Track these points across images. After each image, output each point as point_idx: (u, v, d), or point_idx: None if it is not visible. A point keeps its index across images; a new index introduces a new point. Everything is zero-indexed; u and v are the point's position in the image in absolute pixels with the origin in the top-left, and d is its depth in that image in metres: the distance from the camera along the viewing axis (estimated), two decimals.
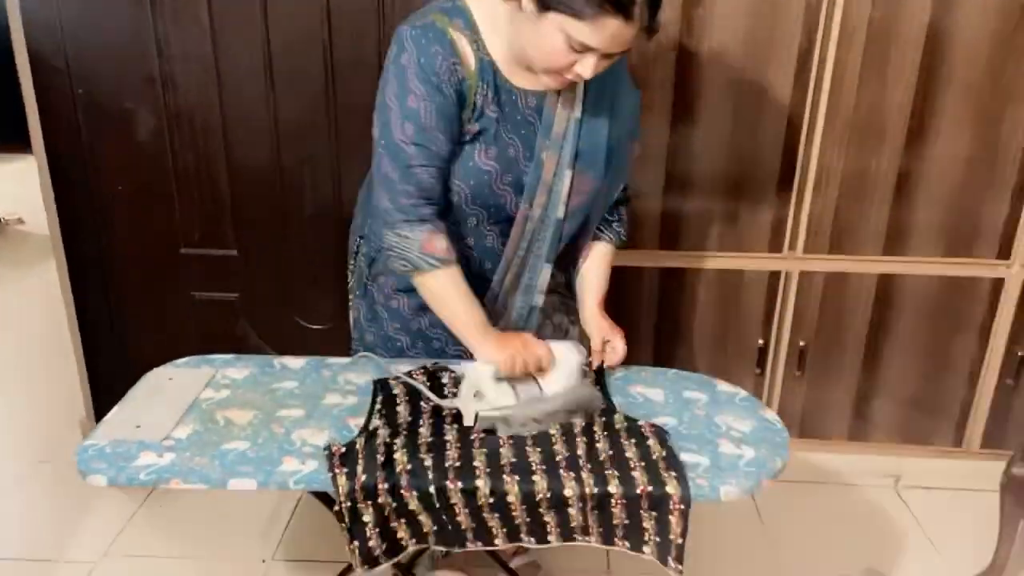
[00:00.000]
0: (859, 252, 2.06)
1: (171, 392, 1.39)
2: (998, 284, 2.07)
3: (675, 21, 1.86)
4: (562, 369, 1.36)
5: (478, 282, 1.43)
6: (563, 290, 1.59)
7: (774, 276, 2.10)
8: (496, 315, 1.46)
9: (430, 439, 1.27)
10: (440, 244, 1.32)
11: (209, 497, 2.12)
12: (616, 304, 1.66)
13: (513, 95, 1.33)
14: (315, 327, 2.14)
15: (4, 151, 5.25)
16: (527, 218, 1.39)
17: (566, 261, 1.54)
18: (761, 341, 2.15)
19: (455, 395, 1.37)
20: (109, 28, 1.92)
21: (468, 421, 1.30)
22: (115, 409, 1.36)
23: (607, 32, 1.17)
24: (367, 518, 1.19)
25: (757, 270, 2.09)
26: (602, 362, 1.49)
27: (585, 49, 1.20)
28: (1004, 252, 2.03)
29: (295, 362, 1.51)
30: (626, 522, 1.20)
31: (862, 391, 2.21)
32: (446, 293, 1.36)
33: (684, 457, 1.25)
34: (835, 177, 1.98)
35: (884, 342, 2.15)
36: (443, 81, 1.27)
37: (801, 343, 2.15)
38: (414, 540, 1.23)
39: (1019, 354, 2.12)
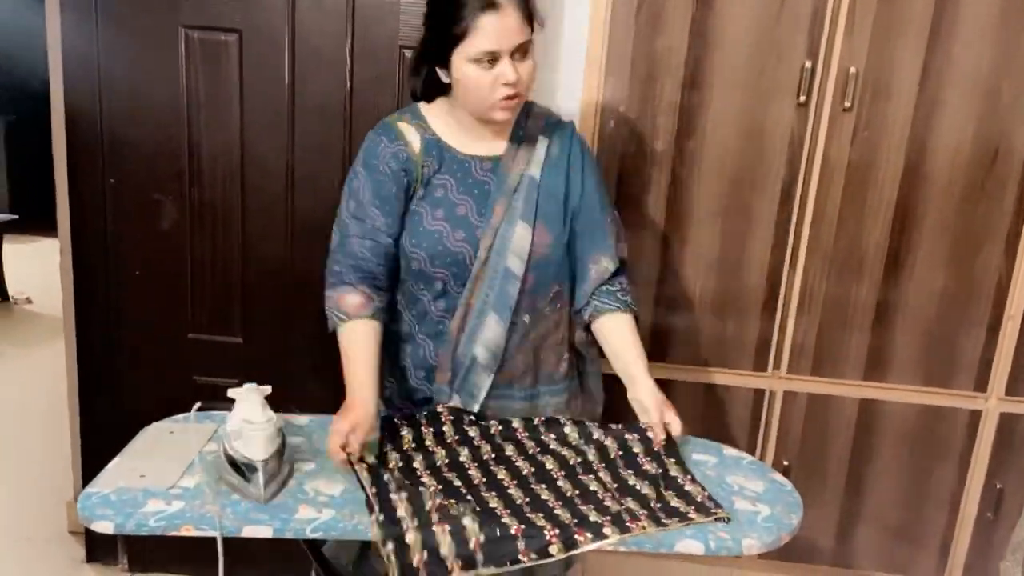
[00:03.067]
0: (841, 376, 2.13)
1: (173, 445, 1.43)
2: (976, 416, 2.13)
3: (668, 151, 2.01)
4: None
5: (450, 347, 1.54)
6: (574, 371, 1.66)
7: (759, 394, 2.16)
8: (455, 365, 1.53)
9: (447, 461, 1.41)
10: (352, 301, 1.49)
11: None
12: (603, 413, 1.72)
13: (465, 163, 1.51)
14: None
15: (28, 233, 5.47)
16: (478, 262, 1.49)
17: (558, 340, 1.60)
18: None
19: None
20: (147, 124, 2.07)
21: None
22: (116, 460, 1.39)
23: (492, 30, 1.36)
24: (410, 538, 1.18)
25: (743, 387, 2.16)
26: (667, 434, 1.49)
27: (492, 59, 1.38)
28: (981, 385, 2.10)
29: (300, 419, 1.57)
30: (658, 505, 1.31)
31: (845, 515, 2.23)
32: (345, 344, 1.50)
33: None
34: (817, 302, 2.08)
35: (866, 467, 2.19)
36: (383, 163, 1.49)
37: (785, 462, 2.19)
38: (459, 562, 1.18)
39: (998, 487, 2.15)
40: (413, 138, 1.51)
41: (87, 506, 1.25)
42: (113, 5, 1.99)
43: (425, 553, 1.18)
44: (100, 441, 2.24)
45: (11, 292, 4.88)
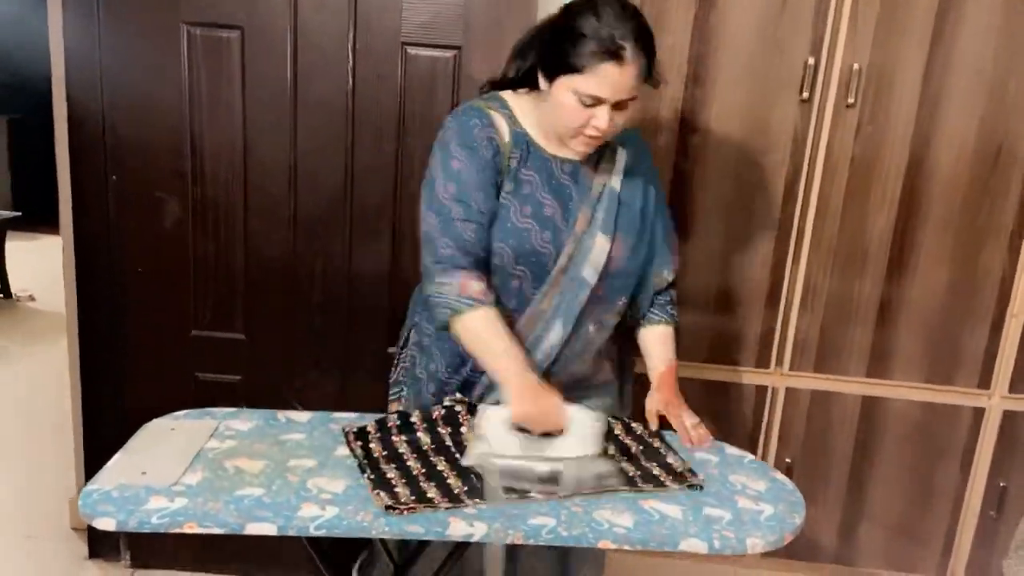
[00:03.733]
0: (844, 372, 2.13)
1: (174, 442, 1.42)
2: (979, 414, 2.12)
3: (671, 146, 2.01)
4: (574, 435, 1.38)
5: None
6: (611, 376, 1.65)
7: (761, 391, 2.16)
8: None
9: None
10: (477, 286, 1.41)
11: None
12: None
13: (548, 162, 1.48)
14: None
15: (32, 230, 5.48)
16: (557, 269, 1.47)
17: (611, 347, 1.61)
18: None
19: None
20: (149, 122, 2.07)
21: (466, 461, 1.35)
22: (116, 457, 1.38)
23: (607, 80, 1.32)
24: (391, 475, 1.30)
25: (745, 384, 2.16)
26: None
27: (595, 102, 1.34)
28: (984, 382, 2.10)
29: (301, 416, 1.56)
30: (639, 473, 1.38)
31: (847, 513, 2.23)
32: (483, 332, 1.41)
33: (706, 511, 1.33)
34: (820, 298, 2.08)
35: (869, 464, 2.19)
36: (480, 145, 1.43)
37: (787, 460, 2.18)
38: (446, 499, 1.26)
39: (1001, 485, 2.15)
40: (503, 127, 1.46)
41: (88, 503, 1.24)
42: (115, 2, 1.99)
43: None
44: (103, 438, 2.25)
45: (14, 289, 4.89)
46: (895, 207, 2.01)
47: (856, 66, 1.92)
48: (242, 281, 2.17)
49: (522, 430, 1.37)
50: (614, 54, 1.31)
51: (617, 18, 1.32)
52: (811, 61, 1.93)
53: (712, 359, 2.14)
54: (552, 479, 1.32)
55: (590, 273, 1.48)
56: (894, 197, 2.01)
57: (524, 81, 1.49)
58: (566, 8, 1.38)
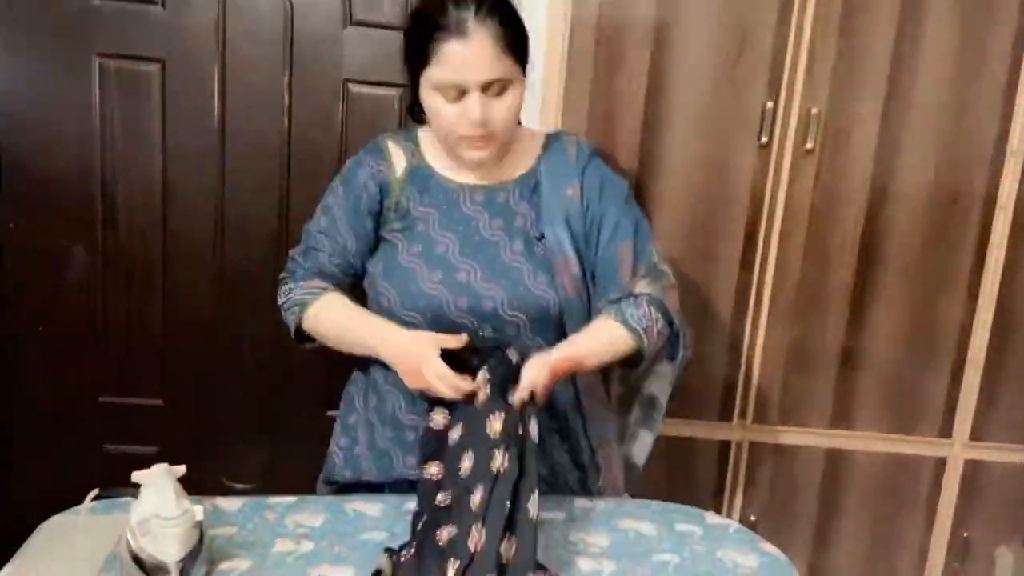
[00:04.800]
0: (807, 424, 2.05)
1: (78, 545, 1.18)
2: (941, 463, 2.08)
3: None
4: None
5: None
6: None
7: (724, 446, 2.06)
8: None
9: None
10: (318, 282, 1.34)
11: None
12: None
13: (453, 194, 1.34)
14: (240, 486, 1.98)
15: None
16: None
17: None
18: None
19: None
20: (54, 162, 1.86)
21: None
22: (8, 568, 1.14)
23: (456, 60, 1.20)
24: None
25: (707, 439, 2.06)
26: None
27: (458, 92, 1.22)
28: (946, 431, 2.06)
29: (231, 503, 1.34)
30: None
31: (813, 570, 2.14)
32: (334, 311, 1.32)
33: None
34: (781, 349, 2.01)
35: (834, 519, 2.11)
36: (361, 181, 1.35)
37: (752, 517, 2.09)
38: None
39: (964, 535, 2.11)
40: (399, 161, 1.36)
41: None
42: (17, 28, 1.78)
43: None
44: None
45: None
46: (854, 256, 1.97)
47: (815, 110, 1.88)
48: (159, 339, 1.96)
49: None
50: (455, 28, 1.19)
51: None
52: (769, 105, 1.88)
53: (672, 414, 2.03)
54: None
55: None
56: (853, 245, 1.96)
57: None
58: (411, 12, 1.32)
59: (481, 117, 1.23)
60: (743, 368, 2.02)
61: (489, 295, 1.31)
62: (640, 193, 1.92)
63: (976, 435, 2.06)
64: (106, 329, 1.94)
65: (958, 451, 2.07)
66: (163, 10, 1.80)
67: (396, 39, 1.82)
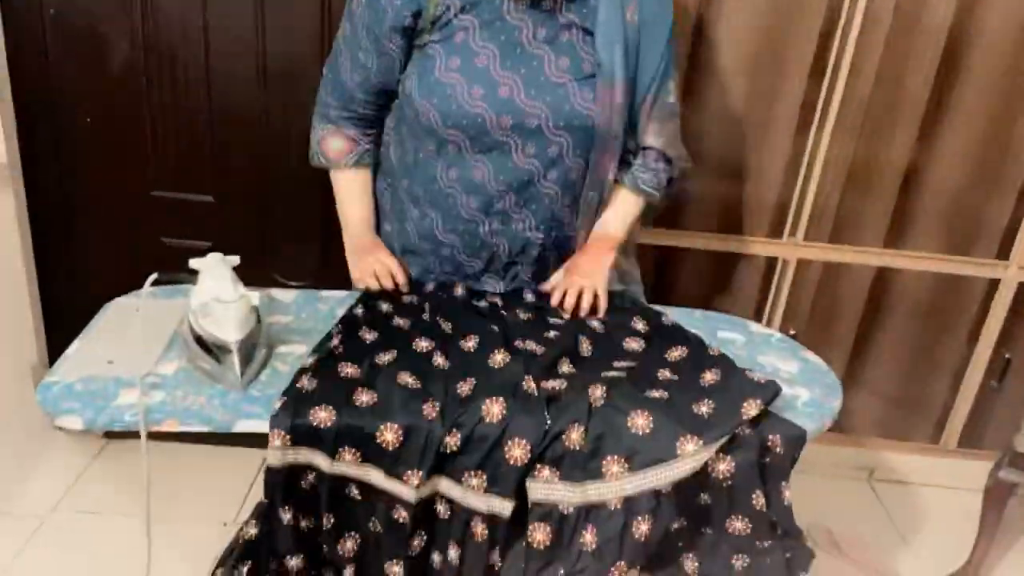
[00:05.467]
0: (859, 243, 2.01)
1: (141, 324, 1.24)
2: (994, 284, 2.04)
3: (693, 4, 1.77)
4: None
5: (462, 228, 1.36)
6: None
7: (771, 262, 2.04)
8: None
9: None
10: (335, 146, 1.43)
11: (169, 453, 2.02)
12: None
13: (495, 1, 1.25)
14: (294, 284, 2.03)
15: None
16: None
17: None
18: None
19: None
20: None
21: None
22: (76, 343, 1.22)
23: None
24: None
25: (755, 255, 2.03)
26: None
27: None
28: (1003, 252, 2.01)
29: (285, 295, 1.40)
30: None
31: (847, 384, 2.16)
32: (336, 191, 1.49)
33: None
34: (843, 165, 1.93)
35: (873, 337, 2.12)
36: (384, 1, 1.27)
37: (791, 332, 2.10)
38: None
39: (1006, 356, 2.11)
40: None
41: (49, 398, 1.09)
42: None
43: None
44: (62, 307, 2.08)
45: None
46: (935, 66, 1.83)
47: None
48: (208, 135, 1.93)
49: None
50: None
51: None
52: None
53: (723, 229, 2.01)
54: None
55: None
56: (936, 54, 1.82)
57: None
58: None
59: None
60: (800, 182, 1.96)
61: (534, 113, 1.27)
62: None
63: None
64: (153, 125, 1.92)
65: (1013, 273, 2.02)
66: None
67: None
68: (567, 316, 1.35)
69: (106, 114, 1.90)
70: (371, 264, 1.42)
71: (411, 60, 1.31)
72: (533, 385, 1.10)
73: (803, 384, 1.28)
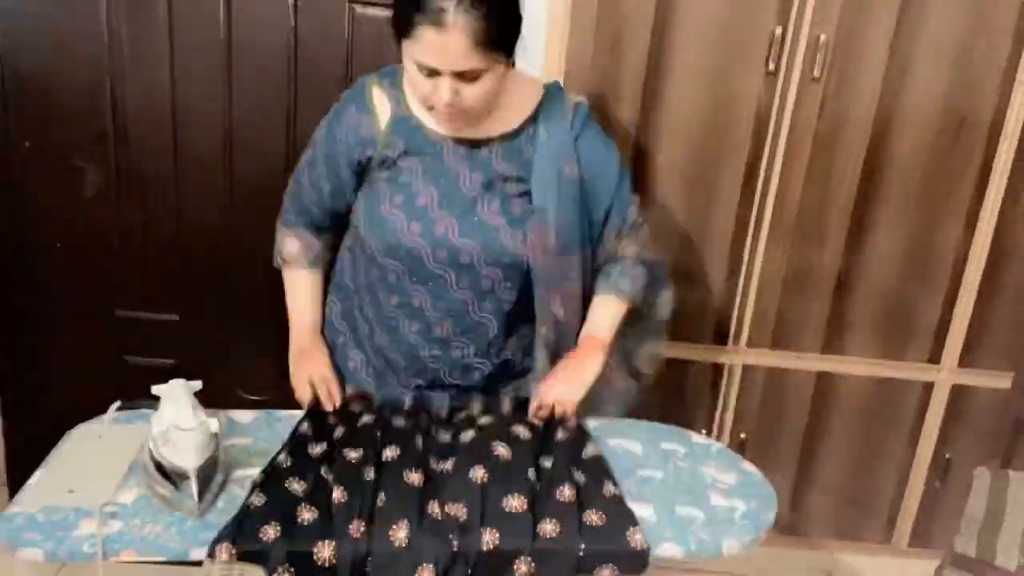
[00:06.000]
0: (800, 348, 2.11)
1: (103, 452, 1.29)
2: (928, 387, 2.15)
3: (633, 121, 1.92)
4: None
5: (405, 349, 1.44)
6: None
7: (718, 368, 2.13)
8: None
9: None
10: (291, 247, 1.53)
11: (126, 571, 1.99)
12: None
13: (437, 145, 1.36)
14: (255, 397, 2.07)
15: None
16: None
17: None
18: (704, 432, 2.17)
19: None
20: (65, 81, 1.87)
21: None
22: (39, 472, 1.25)
23: (430, 47, 1.19)
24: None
25: (702, 361, 2.12)
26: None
27: (431, 72, 1.23)
28: (935, 356, 2.11)
29: (244, 416, 1.44)
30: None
31: (797, 486, 2.24)
32: (288, 287, 1.57)
33: (679, 511, 1.27)
34: (779, 272, 2.05)
35: (821, 438, 2.20)
36: (341, 133, 1.41)
37: (742, 435, 2.18)
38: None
39: (947, 456, 2.19)
40: (383, 111, 1.38)
41: (11, 529, 1.12)
42: None
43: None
44: (21, 431, 2.08)
45: None
46: (855, 182, 1.98)
47: (823, 37, 1.86)
48: (173, 256, 2.01)
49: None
50: (433, 17, 1.16)
51: None
52: (778, 31, 1.86)
53: (671, 336, 2.09)
54: None
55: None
56: (855, 172, 1.97)
57: None
58: None
59: (450, 100, 1.24)
60: (740, 292, 2.07)
61: (466, 250, 1.37)
62: (644, 119, 1.93)
63: (965, 361, 2.11)
64: (121, 245, 1.99)
65: (946, 376, 2.13)
66: None
67: None
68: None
69: (75, 237, 1.97)
70: (310, 375, 1.48)
71: (360, 191, 1.43)
72: (438, 509, 1.18)
73: (740, 496, 1.33)
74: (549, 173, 1.38)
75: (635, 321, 1.59)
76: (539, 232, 1.38)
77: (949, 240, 2.03)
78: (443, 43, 1.18)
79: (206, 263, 2.02)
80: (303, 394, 1.47)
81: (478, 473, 1.24)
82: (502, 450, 1.29)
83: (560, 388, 1.44)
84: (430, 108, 1.30)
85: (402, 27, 1.21)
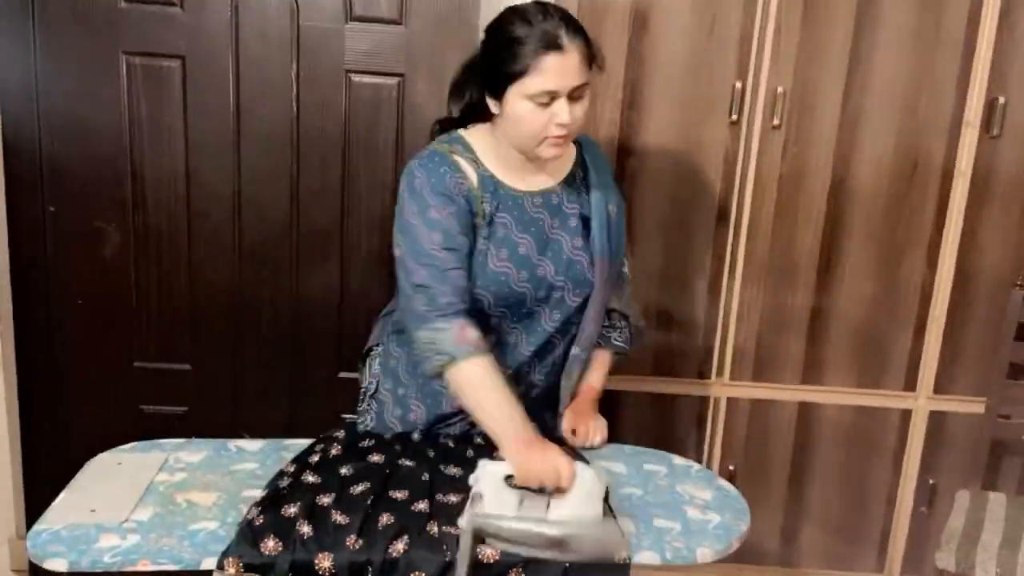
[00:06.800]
0: (780, 381, 2.21)
1: (122, 477, 1.40)
2: (907, 415, 2.23)
3: (611, 170, 2.07)
4: (577, 493, 1.26)
5: None
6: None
7: (704, 401, 2.23)
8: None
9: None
10: (473, 334, 1.37)
11: None
12: None
13: (519, 199, 1.50)
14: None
15: None
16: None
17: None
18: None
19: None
20: (88, 151, 2.05)
21: (464, 523, 1.24)
22: (63, 495, 1.36)
23: (553, 70, 1.35)
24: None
25: (688, 395, 2.23)
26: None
27: (550, 98, 1.37)
28: (910, 384, 2.21)
29: (252, 445, 1.55)
30: None
31: (789, 516, 2.31)
32: (480, 382, 1.36)
33: (657, 523, 1.34)
34: (756, 311, 2.17)
35: (807, 468, 2.27)
36: (454, 193, 1.43)
37: (731, 467, 2.26)
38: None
39: (931, 482, 2.26)
40: (470, 172, 1.47)
41: (37, 544, 1.22)
42: (52, 31, 1.98)
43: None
44: (43, 475, 2.20)
45: None
46: (821, 222, 2.12)
47: (780, 89, 2.02)
48: (187, 310, 2.15)
49: (518, 487, 1.27)
50: (552, 44, 1.34)
51: (542, 14, 1.36)
52: (738, 85, 2.03)
53: (656, 372, 2.21)
54: (559, 543, 1.20)
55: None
56: (820, 213, 2.11)
57: (468, 119, 1.51)
58: (488, 30, 1.43)
59: (569, 119, 1.40)
60: (719, 329, 2.19)
61: (560, 286, 1.53)
62: (621, 168, 2.08)
63: (939, 388, 2.20)
64: (138, 302, 2.14)
65: (923, 403, 2.22)
66: (182, 11, 1.98)
67: (392, 32, 2.03)
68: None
69: (96, 294, 2.12)
70: (544, 471, 1.29)
71: None
72: (438, 529, 1.26)
73: (715, 510, 1.42)
74: (601, 209, 1.55)
75: None
76: (601, 261, 1.55)
77: (914, 275, 2.14)
78: (562, 65, 1.35)
79: (217, 317, 2.16)
80: (557, 478, 1.28)
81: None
82: None
83: (594, 423, 1.62)
84: (540, 142, 1.43)
85: (519, 69, 1.35)
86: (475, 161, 1.48)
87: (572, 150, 1.58)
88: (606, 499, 1.32)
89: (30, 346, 2.15)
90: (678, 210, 2.11)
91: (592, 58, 1.41)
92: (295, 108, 2.05)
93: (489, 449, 1.49)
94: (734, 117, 2.04)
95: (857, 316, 2.17)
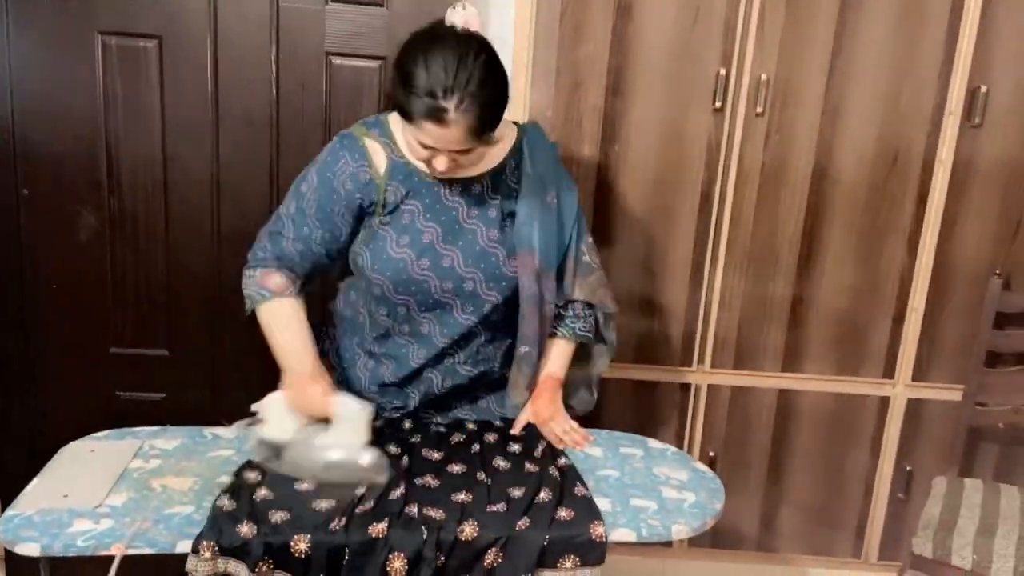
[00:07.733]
0: (760, 368, 2.22)
1: (96, 463, 1.39)
2: (885, 402, 2.25)
3: (594, 156, 2.07)
4: (342, 424, 1.37)
5: (406, 372, 1.56)
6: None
7: (685, 388, 2.24)
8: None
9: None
10: (276, 280, 1.48)
11: None
12: None
13: (433, 186, 1.47)
14: None
15: None
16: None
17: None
18: None
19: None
20: (63, 133, 2.01)
21: (248, 444, 1.41)
22: (36, 481, 1.34)
23: (432, 135, 1.32)
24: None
25: (670, 382, 2.23)
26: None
27: (431, 148, 1.35)
28: (889, 372, 2.23)
29: (227, 432, 1.54)
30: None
31: (768, 502, 2.33)
32: (275, 321, 1.48)
33: (633, 502, 1.37)
34: (737, 299, 2.17)
35: (786, 454, 2.29)
36: (338, 181, 1.46)
37: (711, 453, 2.27)
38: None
39: (908, 469, 2.28)
40: (379, 159, 1.47)
41: (9, 528, 1.21)
42: (26, 11, 1.93)
43: None
44: (17, 463, 2.16)
45: None
46: (803, 210, 2.12)
47: (764, 77, 2.02)
48: (164, 296, 2.12)
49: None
50: (434, 115, 1.28)
51: (445, 71, 1.27)
52: (722, 72, 2.02)
53: (638, 359, 2.21)
54: (327, 467, 1.35)
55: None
56: (802, 201, 2.12)
57: None
58: (405, 46, 1.34)
59: (446, 169, 1.38)
60: (701, 317, 2.19)
61: (470, 277, 1.50)
62: (604, 156, 2.08)
63: (917, 376, 2.23)
64: (115, 287, 2.11)
65: (901, 391, 2.24)
66: None
67: (373, 14, 2.00)
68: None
69: (71, 279, 2.09)
70: (309, 402, 1.44)
71: (359, 238, 1.51)
72: (416, 511, 1.28)
73: (691, 489, 1.44)
74: (534, 202, 1.52)
75: (575, 366, 1.71)
76: (526, 256, 1.52)
77: (894, 264, 2.16)
78: (444, 135, 1.31)
79: (195, 302, 2.13)
80: (323, 409, 1.41)
81: (459, 497, 1.34)
82: (483, 476, 1.41)
83: (554, 426, 1.59)
84: (427, 165, 1.41)
85: (407, 113, 1.32)
86: (390, 146, 1.47)
87: (510, 137, 1.54)
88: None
89: (4, 331, 2.11)
90: (661, 197, 2.11)
91: (486, 128, 1.34)
92: (275, 90, 2.02)
93: (481, 438, 1.54)
94: (718, 104, 2.04)
95: (837, 304, 2.19)
